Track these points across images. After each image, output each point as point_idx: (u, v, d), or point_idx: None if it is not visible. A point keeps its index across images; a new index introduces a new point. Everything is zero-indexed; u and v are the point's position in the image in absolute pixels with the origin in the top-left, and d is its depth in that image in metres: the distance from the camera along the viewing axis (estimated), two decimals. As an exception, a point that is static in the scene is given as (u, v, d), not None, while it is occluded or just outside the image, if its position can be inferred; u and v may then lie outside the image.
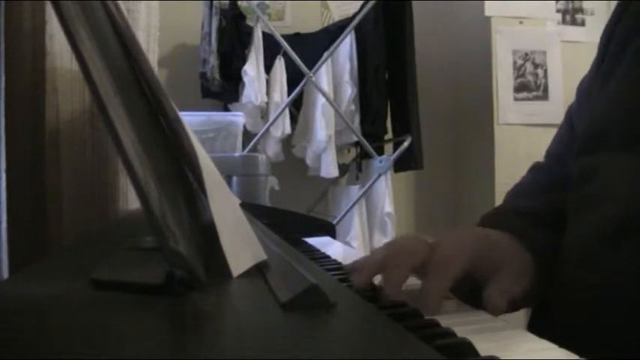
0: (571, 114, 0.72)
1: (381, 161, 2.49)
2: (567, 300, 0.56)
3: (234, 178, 1.59)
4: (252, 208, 0.93)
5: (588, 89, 0.67)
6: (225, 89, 2.55)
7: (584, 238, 0.56)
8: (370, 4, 2.43)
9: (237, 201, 0.50)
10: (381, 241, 2.57)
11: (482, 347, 0.36)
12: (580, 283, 0.55)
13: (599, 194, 0.55)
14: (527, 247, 0.57)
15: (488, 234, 0.57)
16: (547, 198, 0.67)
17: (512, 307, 0.53)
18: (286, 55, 2.46)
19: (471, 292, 0.52)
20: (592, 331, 0.52)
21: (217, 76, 2.51)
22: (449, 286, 0.50)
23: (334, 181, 2.78)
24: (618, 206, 0.53)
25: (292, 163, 2.67)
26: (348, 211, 2.47)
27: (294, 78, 2.46)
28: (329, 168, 2.53)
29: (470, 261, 0.51)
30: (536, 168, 0.77)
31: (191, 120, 1.74)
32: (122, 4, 0.47)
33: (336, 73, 2.56)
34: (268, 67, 2.54)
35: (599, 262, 0.53)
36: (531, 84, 2.76)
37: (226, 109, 2.61)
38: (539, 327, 0.58)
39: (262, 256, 0.44)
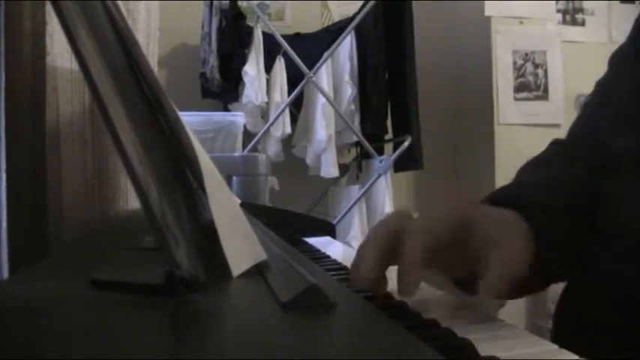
0: (601, 90, 0.68)
1: (381, 161, 2.49)
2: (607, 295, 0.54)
3: (234, 178, 1.59)
4: (252, 208, 0.92)
5: (626, 61, 0.64)
6: (225, 89, 2.55)
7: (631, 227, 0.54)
8: (370, 4, 2.43)
9: (237, 201, 0.50)
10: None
11: (482, 347, 0.36)
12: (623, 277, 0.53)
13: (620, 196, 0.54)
14: (526, 222, 0.53)
15: (477, 205, 0.55)
16: (559, 170, 0.64)
17: (519, 289, 0.50)
18: (286, 55, 2.46)
19: (469, 276, 0.50)
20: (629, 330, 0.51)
21: (217, 76, 2.51)
22: (420, 276, 0.47)
23: (334, 181, 2.78)
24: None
25: (292, 163, 2.67)
26: (348, 211, 2.47)
27: (294, 78, 2.46)
28: (329, 168, 2.53)
29: (449, 231, 0.50)
30: (555, 143, 0.74)
31: (191, 120, 1.74)
32: (122, 5, 0.47)
33: (336, 73, 2.56)
34: (268, 67, 2.54)
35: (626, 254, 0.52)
36: (531, 84, 2.76)
37: (226, 109, 2.61)
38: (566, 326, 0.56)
39: (262, 256, 0.44)
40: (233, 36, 2.55)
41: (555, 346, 0.39)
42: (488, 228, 0.51)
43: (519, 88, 2.75)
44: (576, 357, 0.37)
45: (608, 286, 0.54)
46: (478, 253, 0.49)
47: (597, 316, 0.55)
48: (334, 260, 0.70)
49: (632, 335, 0.50)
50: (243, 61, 2.50)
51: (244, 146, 2.15)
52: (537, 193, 0.57)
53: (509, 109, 2.75)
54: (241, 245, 0.44)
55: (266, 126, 2.45)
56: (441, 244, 0.49)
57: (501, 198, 0.56)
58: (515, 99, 2.76)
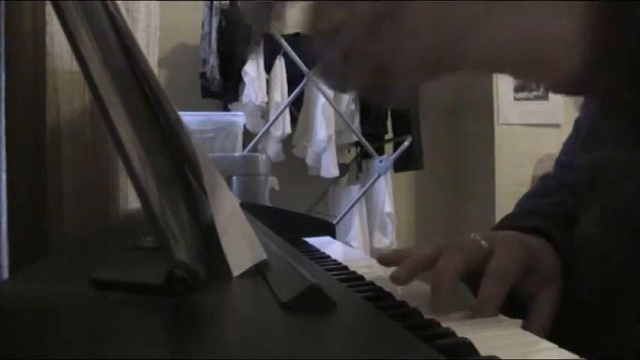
0: (578, 124, 0.71)
1: (381, 161, 2.49)
2: (581, 294, 0.56)
3: (234, 178, 1.59)
4: (252, 208, 0.92)
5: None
6: (225, 89, 2.55)
7: (591, 231, 0.56)
8: (370, 4, 2.43)
9: (237, 201, 0.50)
10: (381, 241, 2.58)
11: (483, 347, 0.36)
12: (593, 276, 0.54)
13: (608, 187, 0.55)
14: (555, 249, 0.57)
15: (528, 241, 0.56)
16: (559, 200, 0.67)
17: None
18: (286, 55, 2.46)
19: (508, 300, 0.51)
20: (608, 326, 0.52)
21: (217, 76, 2.51)
22: (505, 295, 0.48)
23: (334, 181, 2.78)
24: (627, 199, 0.52)
25: (292, 163, 2.67)
26: (348, 211, 2.47)
27: (295, 77, 2.46)
28: (329, 168, 2.53)
29: (521, 271, 0.51)
30: (545, 177, 0.76)
31: (191, 120, 1.74)
32: (122, 4, 0.47)
33: (336, 73, 2.55)
34: (268, 67, 2.54)
35: (613, 254, 0.53)
36: (531, 84, 2.76)
37: (226, 109, 2.61)
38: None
39: (262, 255, 0.44)
40: (233, 36, 2.55)
41: (555, 346, 0.39)
42: (547, 264, 0.54)
43: (519, 87, 2.75)
44: (576, 357, 0.37)
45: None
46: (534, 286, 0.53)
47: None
48: (334, 260, 0.70)
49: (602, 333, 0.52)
50: (243, 61, 2.50)
51: (244, 146, 2.15)
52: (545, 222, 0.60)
53: (509, 109, 2.75)
54: (241, 245, 0.44)
55: (266, 126, 2.45)
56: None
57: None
58: (515, 99, 2.76)
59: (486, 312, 0.46)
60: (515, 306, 0.52)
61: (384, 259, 0.56)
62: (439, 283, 0.47)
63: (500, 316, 0.50)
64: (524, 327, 0.50)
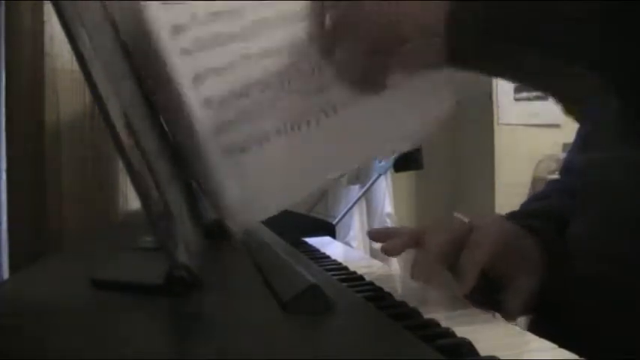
0: (579, 129, 0.72)
1: (380, 161, 2.49)
2: (575, 294, 0.56)
3: (234, 178, 1.58)
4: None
5: None
6: (225, 89, 2.55)
7: (589, 231, 0.56)
8: (370, 4, 2.43)
9: None
10: (381, 241, 2.57)
11: (482, 347, 0.36)
12: (590, 275, 0.54)
13: (604, 186, 0.55)
14: (543, 246, 0.57)
15: (510, 226, 0.57)
16: (558, 202, 0.67)
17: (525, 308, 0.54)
18: (286, 55, 2.45)
19: (484, 290, 0.52)
20: (600, 326, 0.52)
21: (217, 76, 2.51)
22: (484, 263, 0.51)
23: (334, 181, 2.79)
24: (624, 198, 0.52)
25: (292, 163, 2.66)
26: (348, 211, 2.47)
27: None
28: (329, 168, 2.53)
29: (501, 246, 0.53)
30: (551, 182, 0.77)
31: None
32: (121, 4, 0.47)
33: (336, 73, 2.56)
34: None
35: (610, 254, 0.53)
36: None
37: (226, 109, 2.61)
38: (541, 327, 0.58)
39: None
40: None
41: (555, 346, 0.39)
42: (526, 251, 0.55)
43: (519, 87, 2.75)
44: (576, 357, 0.37)
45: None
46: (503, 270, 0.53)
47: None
48: (334, 260, 0.70)
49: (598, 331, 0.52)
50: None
51: (244, 146, 2.15)
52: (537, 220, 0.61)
53: (509, 109, 2.75)
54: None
55: (266, 126, 2.45)
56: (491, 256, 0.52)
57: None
58: (516, 99, 2.76)
59: (466, 280, 0.48)
60: (491, 286, 0.53)
61: (375, 235, 0.59)
62: (423, 255, 0.51)
63: (500, 317, 0.50)
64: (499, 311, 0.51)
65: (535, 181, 2.62)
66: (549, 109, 2.76)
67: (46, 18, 0.67)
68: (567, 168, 0.72)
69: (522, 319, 0.61)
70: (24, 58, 0.67)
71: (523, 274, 0.54)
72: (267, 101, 0.46)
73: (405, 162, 2.60)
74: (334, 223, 1.45)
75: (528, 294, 0.53)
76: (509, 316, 0.51)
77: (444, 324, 0.41)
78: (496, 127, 2.74)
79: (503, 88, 2.74)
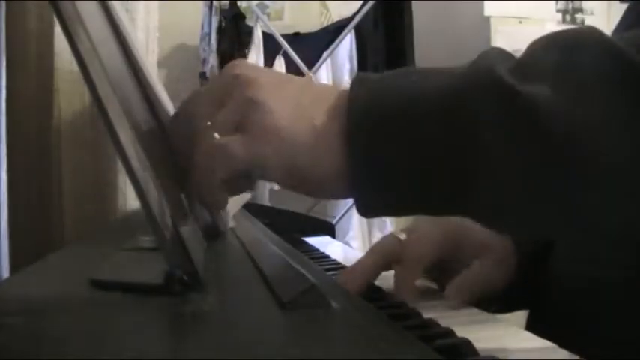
0: None
1: (380, 161, 2.48)
2: (564, 294, 0.56)
3: (234, 178, 1.58)
4: (252, 208, 0.93)
5: None
6: (225, 89, 2.55)
7: None
8: (369, 4, 2.43)
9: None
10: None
11: (482, 347, 0.36)
12: (576, 276, 0.55)
13: None
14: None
15: (463, 222, 0.57)
16: None
17: (495, 296, 0.55)
18: (286, 55, 2.46)
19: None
20: (591, 325, 0.52)
21: (217, 76, 2.51)
22: (418, 278, 0.55)
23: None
24: None
25: (292, 162, 2.66)
26: (347, 211, 2.47)
27: (294, 78, 2.46)
28: (329, 168, 2.53)
29: (441, 252, 0.55)
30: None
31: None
32: (121, 4, 0.47)
33: (336, 73, 2.56)
34: (268, 67, 2.54)
35: (599, 256, 0.53)
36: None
37: (226, 109, 2.61)
38: (538, 326, 0.58)
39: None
40: (233, 36, 2.55)
41: (555, 346, 0.39)
42: (480, 234, 0.56)
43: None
44: (576, 357, 0.37)
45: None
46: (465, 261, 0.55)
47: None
48: (334, 260, 0.70)
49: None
50: (242, 61, 2.50)
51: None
52: None
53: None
54: None
55: (266, 126, 2.45)
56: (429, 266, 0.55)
57: None
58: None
59: (404, 295, 0.51)
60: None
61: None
62: (349, 276, 0.54)
63: (500, 316, 0.50)
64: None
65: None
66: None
67: (50, 18, 0.67)
68: None
69: (522, 320, 0.61)
70: (28, 58, 0.67)
71: (486, 259, 0.55)
72: None
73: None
74: (334, 223, 1.46)
75: (476, 279, 0.54)
76: (450, 302, 0.51)
77: (443, 324, 0.41)
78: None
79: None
